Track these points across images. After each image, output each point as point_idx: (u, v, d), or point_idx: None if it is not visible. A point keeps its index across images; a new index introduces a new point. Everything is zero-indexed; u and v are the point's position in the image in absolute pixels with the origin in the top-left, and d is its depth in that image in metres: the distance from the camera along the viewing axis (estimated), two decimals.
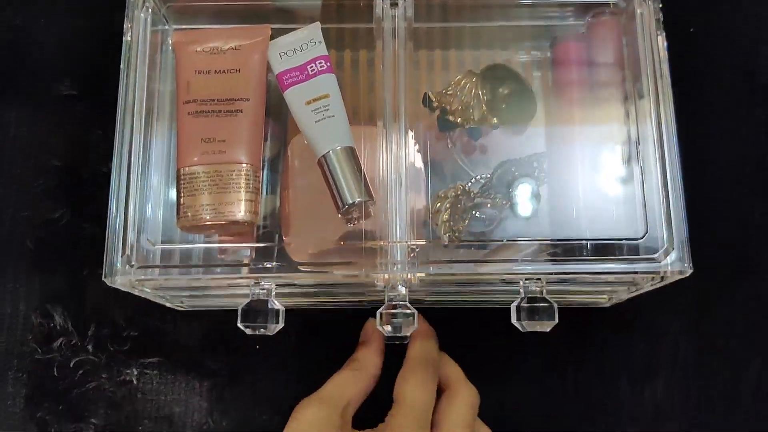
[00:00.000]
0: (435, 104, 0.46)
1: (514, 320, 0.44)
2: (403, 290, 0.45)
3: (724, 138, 0.57)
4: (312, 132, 0.46)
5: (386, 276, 0.42)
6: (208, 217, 0.44)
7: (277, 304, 0.43)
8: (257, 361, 0.54)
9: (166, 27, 0.49)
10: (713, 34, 0.59)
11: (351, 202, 0.44)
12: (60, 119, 0.57)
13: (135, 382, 0.53)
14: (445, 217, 0.44)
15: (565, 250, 0.43)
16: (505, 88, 0.46)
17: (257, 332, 0.44)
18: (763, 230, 0.56)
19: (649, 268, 0.42)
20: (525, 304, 0.43)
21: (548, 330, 0.44)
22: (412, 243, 0.42)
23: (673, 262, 0.42)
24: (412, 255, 0.42)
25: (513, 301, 0.44)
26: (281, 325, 0.44)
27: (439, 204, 0.44)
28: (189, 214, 0.44)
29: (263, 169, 0.47)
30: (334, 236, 0.47)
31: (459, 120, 0.46)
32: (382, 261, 0.42)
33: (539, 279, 0.44)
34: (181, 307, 0.53)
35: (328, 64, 0.47)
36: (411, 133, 0.47)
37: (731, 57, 0.59)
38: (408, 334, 0.47)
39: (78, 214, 0.56)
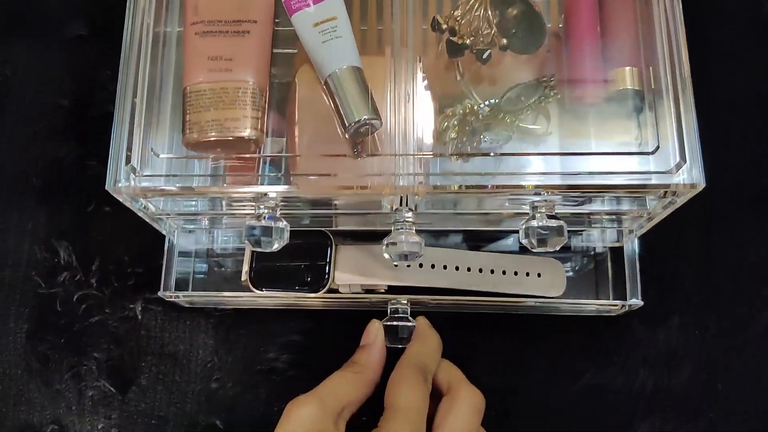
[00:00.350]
0: (444, 27, 0.46)
1: (522, 239, 0.43)
2: (409, 215, 0.44)
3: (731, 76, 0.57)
4: (319, 53, 0.45)
5: (394, 187, 0.41)
6: (213, 133, 0.43)
7: (282, 221, 0.43)
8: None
9: None
10: None
11: (357, 119, 0.43)
12: (69, 59, 0.58)
13: (139, 317, 0.53)
14: (453, 135, 0.43)
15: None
16: (515, 9, 0.45)
17: (262, 248, 0.43)
18: None
19: (661, 180, 0.41)
20: (533, 222, 0.43)
21: (557, 249, 0.43)
22: (420, 154, 0.42)
23: (686, 176, 0.41)
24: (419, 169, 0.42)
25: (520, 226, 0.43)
26: (285, 241, 0.43)
27: (446, 123, 0.44)
28: (194, 130, 0.44)
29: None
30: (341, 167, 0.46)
31: (468, 42, 0.45)
32: (389, 173, 0.42)
33: (546, 197, 0.43)
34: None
35: None
36: (420, 64, 0.47)
37: None
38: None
39: (85, 153, 0.56)
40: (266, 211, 0.43)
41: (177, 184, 0.42)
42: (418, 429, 0.42)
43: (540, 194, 0.42)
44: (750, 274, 0.53)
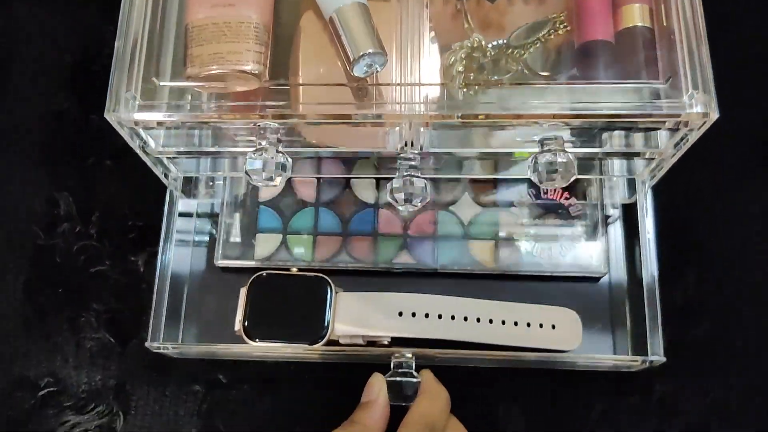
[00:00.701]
0: None
1: (530, 174, 0.42)
2: (415, 154, 0.44)
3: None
4: None
5: (399, 115, 0.40)
6: (215, 66, 0.43)
7: (284, 156, 0.42)
8: None
9: None
10: None
11: (363, 53, 0.43)
12: (73, 18, 0.58)
13: (141, 270, 0.51)
14: (460, 68, 0.42)
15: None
16: None
17: (263, 182, 0.43)
18: None
19: (672, 110, 0.40)
20: (543, 157, 0.42)
21: (565, 185, 0.42)
22: (426, 83, 0.41)
23: (698, 106, 0.40)
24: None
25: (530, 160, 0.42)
26: (289, 174, 0.42)
27: (453, 57, 0.43)
28: (196, 63, 0.43)
29: None
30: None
31: None
32: (396, 103, 0.41)
33: (556, 133, 0.42)
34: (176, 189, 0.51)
35: None
36: (426, 11, 0.46)
37: None
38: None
39: (87, 107, 0.55)
40: (267, 145, 0.42)
41: (176, 114, 0.41)
42: None
43: (549, 124, 0.41)
44: None
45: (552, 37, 0.43)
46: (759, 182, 0.53)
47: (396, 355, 0.46)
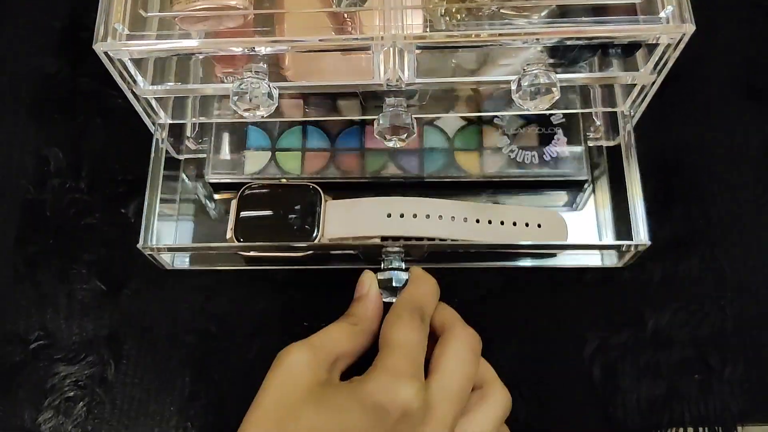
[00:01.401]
0: None
1: (514, 94, 0.43)
2: (404, 75, 0.44)
3: None
4: None
5: (381, 37, 0.41)
6: (201, 1, 0.43)
7: (272, 87, 0.43)
8: None
9: None
10: None
11: None
12: None
13: (132, 221, 0.52)
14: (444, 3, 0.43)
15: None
16: None
17: (251, 113, 0.43)
18: None
19: (649, 21, 0.41)
20: (525, 79, 0.42)
21: (548, 106, 0.43)
22: (410, 6, 0.42)
23: (674, 18, 0.40)
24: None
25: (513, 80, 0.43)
26: (275, 104, 0.43)
27: None
28: (183, 1, 0.44)
29: None
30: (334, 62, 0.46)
31: None
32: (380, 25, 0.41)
33: (539, 56, 0.43)
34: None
35: None
36: None
37: None
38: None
39: (76, 70, 0.56)
40: (255, 77, 0.43)
41: (165, 42, 0.42)
42: (417, 367, 0.40)
43: (530, 43, 0.41)
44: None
45: None
46: (744, 118, 0.54)
47: (385, 250, 0.47)
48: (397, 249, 0.47)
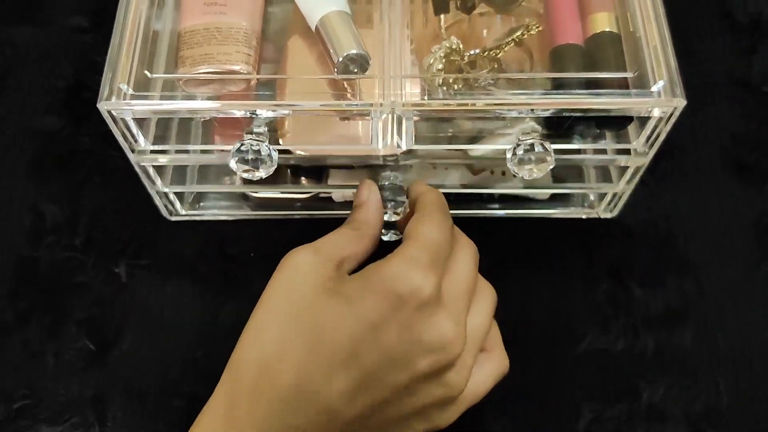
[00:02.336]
0: None
1: (509, 163, 0.44)
2: (402, 142, 0.45)
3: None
4: (309, 2, 0.47)
5: (380, 103, 0.42)
6: (206, 65, 0.44)
7: (271, 148, 0.43)
8: (251, 267, 0.52)
9: None
10: None
11: (347, 53, 0.45)
12: (69, 47, 0.60)
13: (124, 280, 0.51)
14: (439, 66, 0.44)
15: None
16: None
17: (250, 174, 0.44)
18: None
19: (641, 95, 0.42)
20: (520, 149, 0.43)
21: (541, 174, 0.44)
22: (408, 76, 0.43)
23: (665, 92, 0.42)
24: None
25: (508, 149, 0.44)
26: (274, 165, 0.43)
27: (432, 60, 0.45)
28: (187, 63, 0.45)
29: None
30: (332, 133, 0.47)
31: None
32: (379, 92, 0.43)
33: (533, 125, 0.44)
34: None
35: None
36: (408, 31, 0.48)
37: None
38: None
39: (78, 129, 0.57)
40: (255, 139, 0.43)
41: (168, 103, 0.42)
42: (439, 263, 0.39)
43: (526, 112, 0.42)
44: None
45: (525, 37, 0.45)
46: (734, 192, 0.55)
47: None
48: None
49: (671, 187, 0.55)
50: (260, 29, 0.47)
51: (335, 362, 0.37)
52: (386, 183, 0.47)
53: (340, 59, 0.45)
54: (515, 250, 0.53)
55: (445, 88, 0.45)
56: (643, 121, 0.44)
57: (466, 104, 0.43)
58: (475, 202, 0.52)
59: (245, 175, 0.44)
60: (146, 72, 0.43)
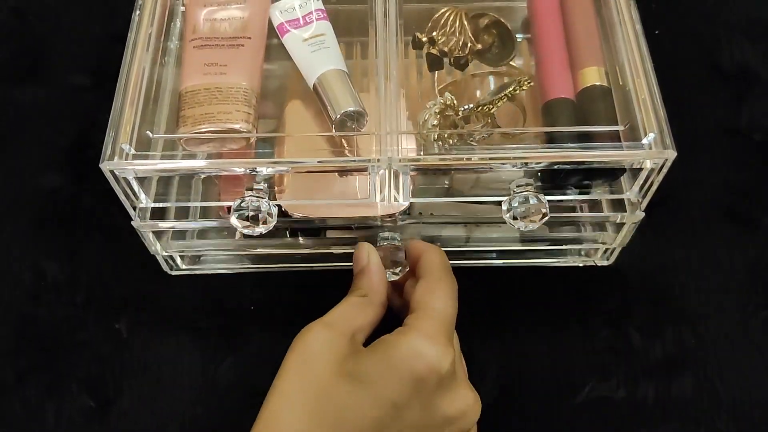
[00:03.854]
0: (424, 40, 0.50)
1: (504, 214, 0.44)
2: (399, 196, 0.45)
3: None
4: (308, 61, 0.48)
5: (377, 159, 0.43)
6: (206, 124, 0.45)
7: (271, 205, 0.44)
8: (250, 321, 0.53)
9: None
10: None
11: (344, 110, 0.46)
12: (70, 104, 0.61)
13: (124, 336, 0.51)
14: (434, 122, 0.45)
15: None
16: (486, 19, 0.50)
17: (250, 230, 0.44)
18: None
19: (632, 148, 0.43)
20: (515, 201, 0.44)
21: (537, 225, 0.44)
22: (404, 132, 0.44)
23: (655, 144, 0.43)
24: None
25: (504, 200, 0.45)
26: (274, 221, 0.44)
27: (427, 116, 0.46)
28: (188, 123, 0.46)
29: None
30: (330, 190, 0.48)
31: (445, 49, 0.49)
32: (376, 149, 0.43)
33: (526, 180, 0.45)
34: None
35: (325, 14, 0.51)
36: (403, 91, 0.49)
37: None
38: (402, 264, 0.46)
39: (80, 187, 0.57)
40: (256, 195, 0.44)
41: (170, 162, 0.43)
42: (450, 338, 0.39)
43: (520, 165, 0.43)
44: None
45: (518, 92, 0.46)
46: (728, 240, 0.56)
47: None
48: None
49: (666, 236, 0.55)
50: (259, 88, 0.49)
51: None
52: (384, 243, 0.47)
53: (338, 116, 0.46)
54: (513, 300, 0.53)
55: (440, 142, 0.46)
56: (636, 171, 0.45)
57: (462, 159, 0.43)
58: (472, 252, 0.53)
59: (245, 231, 0.44)
60: (148, 132, 0.44)
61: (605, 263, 0.54)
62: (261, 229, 0.44)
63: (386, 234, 0.48)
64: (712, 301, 0.53)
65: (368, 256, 0.45)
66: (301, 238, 0.50)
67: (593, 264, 0.54)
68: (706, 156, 0.59)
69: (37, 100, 0.61)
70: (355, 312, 0.42)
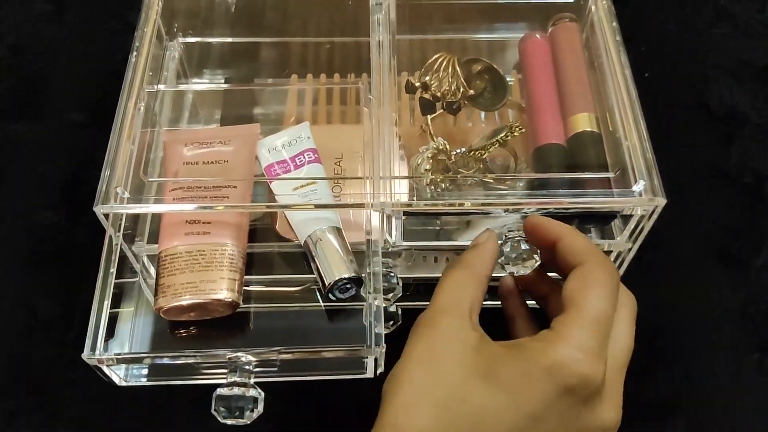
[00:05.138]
0: (417, 84, 0.50)
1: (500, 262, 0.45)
2: (391, 238, 0.45)
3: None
4: (298, 214, 0.47)
5: (371, 204, 0.43)
6: (187, 296, 0.43)
7: (256, 389, 0.43)
8: None
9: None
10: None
11: (336, 279, 0.44)
12: (66, 141, 0.62)
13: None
14: (427, 166, 0.46)
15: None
16: (479, 65, 0.50)
17: (234, 420, 0.43)
18: None
19: (623, 194, 0.43)
20: (507, 246, 0.44)
21: (529, 271, 0.44)
22: (397, 177, 0.44)
23: (646, 191, 0.43)
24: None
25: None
26: (260, 410, 0.43)
27: (420, 160, 0.47)
28: (168, 293, 0.43)
29: None
30: None
31: (438, 94, 0.50)
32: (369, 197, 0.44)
33: (520, 212, 0.45)
34: None
35: (316, 155, 0.49)
36: (396, 129, 0.50)
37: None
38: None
39: (74, 224, 0.58)
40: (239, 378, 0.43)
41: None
42: (606, 344, 0.36)
43: (512, 210, 0.44)
44: None
45: (509, 138, 0.47)
46: (719, 281, 0.56)
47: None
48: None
49: (657, 278, 0.56)
50: (245, 246, 0.46)
51: None
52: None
53: (330, 285, 0.45)
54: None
55: (432, 187, 0.46)
56: (626, 217, 0.46)
57: (454, 204, 0.44)
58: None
59: (229, 422, 0.42)
60: (142, 176, 0.44)
61: None
62: (246, 421, 0.42)
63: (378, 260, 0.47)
64: (704, 343, 0.53)
65: (489, 237, 0.42)
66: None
67: None
68: (695, 198, 0.60)
69: (33, 136, 0.62)
70: (463, 286, 0.39)
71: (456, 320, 0.37)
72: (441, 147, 0.47)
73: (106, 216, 0.44)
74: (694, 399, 0.51)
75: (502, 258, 0.44)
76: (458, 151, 0.48)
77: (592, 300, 0.36)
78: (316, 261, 0.45)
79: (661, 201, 0.43)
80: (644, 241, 0.47)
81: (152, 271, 0.49)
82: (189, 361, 0.43)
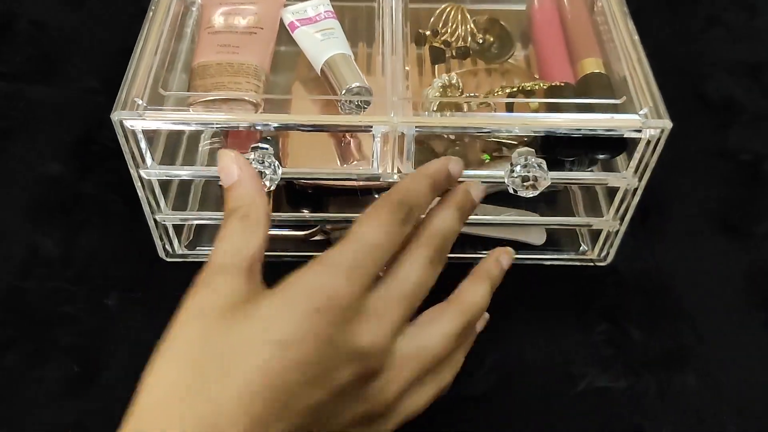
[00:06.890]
0: (427, 33, 0.52)
1: (506, 180, 0.45)
2: (402, 166, 0.46)
3: None
4: (316, 48, 0.50)
5: (383, 116, 0.44)
6: (216, 92, 0.47)
7: (275, 163, 0.44)
8: None
9: None
10: None
11: (350, 85, 0.47)
12: (80, 104, 0.63)
13: (113, 311, 0.50)
14: (437, 93, 0.47)
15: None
16: (485, 19, 0.53)
17: None
18: None
19: (629, 120, 0.44)
20: (517, 166, 0.45)
21: (537, 193, 0.45)
22: (408, 97, 0.45)
23: (651, 115, 0.44)
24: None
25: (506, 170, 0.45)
26: (278, 178, 0.45)
27: (430, 91, 0.48)
28: (199, 89, 0.47)
29: None
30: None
31: (450, 40, 0.51)
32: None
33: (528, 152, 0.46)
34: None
35: (333, 14, 0.53)
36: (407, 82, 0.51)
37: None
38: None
39: (82, 177, 0.58)
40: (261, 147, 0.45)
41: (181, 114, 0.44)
42: (369, 268, 0.34)
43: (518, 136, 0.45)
44: None
45: (536, 88, 0.48)
46: (722, 249, 0.56)
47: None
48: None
49: (661, 241, 0.56)
50: (269, 68, 0.50)
51: (245, 393, 0.31)
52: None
53: (344, 91, 0.47)
54: (509, 296, 0.52)
55: (440, 113, 0.47)
56: (631, 153, 0.47)
57: (464, 121, 0.45)
58: (467, 246, 0.53)
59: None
60: (160, 90, 0.45)
61: (602, 264, 0.54)
62: (267, 182, 0.44)
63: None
64: (709, 302, 0.53)
65: (238, 167, 0.37)
66: (305, 210, 0.50)
67: (590, 263, 0.54)
68: (696, 175, 0.61)
69: (48, 98, 0.63)
70: (242, 239, 0.36)
71: (227, 277, 0.35)
72: (453, 82, 0.48)
73: (123, 128, 0.44)
74: (702, 353, 0.50)
75: (513, 179, 0.45)
76: (473, 94, 0.50)
77: (361, 226, 0.35)
78: (331, 79, 0.48)
79: (667, 124, 0.44)
80: (647, 205, 0.47)
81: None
82: None
